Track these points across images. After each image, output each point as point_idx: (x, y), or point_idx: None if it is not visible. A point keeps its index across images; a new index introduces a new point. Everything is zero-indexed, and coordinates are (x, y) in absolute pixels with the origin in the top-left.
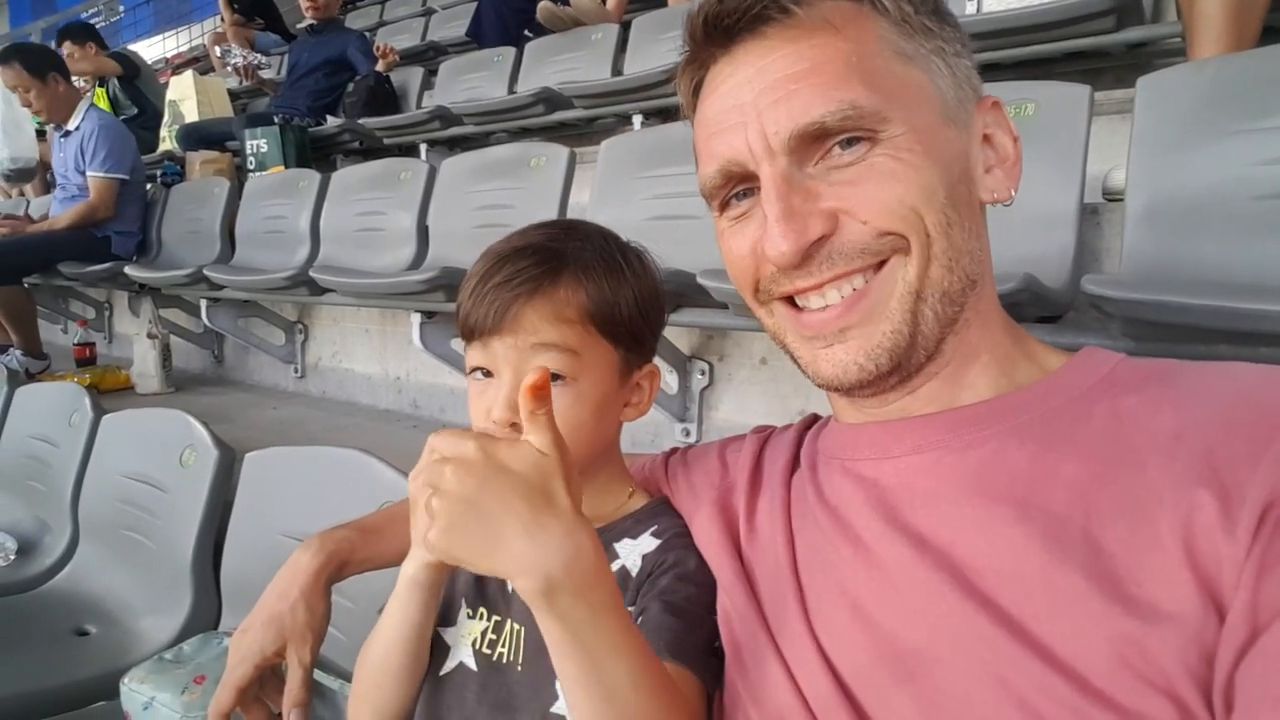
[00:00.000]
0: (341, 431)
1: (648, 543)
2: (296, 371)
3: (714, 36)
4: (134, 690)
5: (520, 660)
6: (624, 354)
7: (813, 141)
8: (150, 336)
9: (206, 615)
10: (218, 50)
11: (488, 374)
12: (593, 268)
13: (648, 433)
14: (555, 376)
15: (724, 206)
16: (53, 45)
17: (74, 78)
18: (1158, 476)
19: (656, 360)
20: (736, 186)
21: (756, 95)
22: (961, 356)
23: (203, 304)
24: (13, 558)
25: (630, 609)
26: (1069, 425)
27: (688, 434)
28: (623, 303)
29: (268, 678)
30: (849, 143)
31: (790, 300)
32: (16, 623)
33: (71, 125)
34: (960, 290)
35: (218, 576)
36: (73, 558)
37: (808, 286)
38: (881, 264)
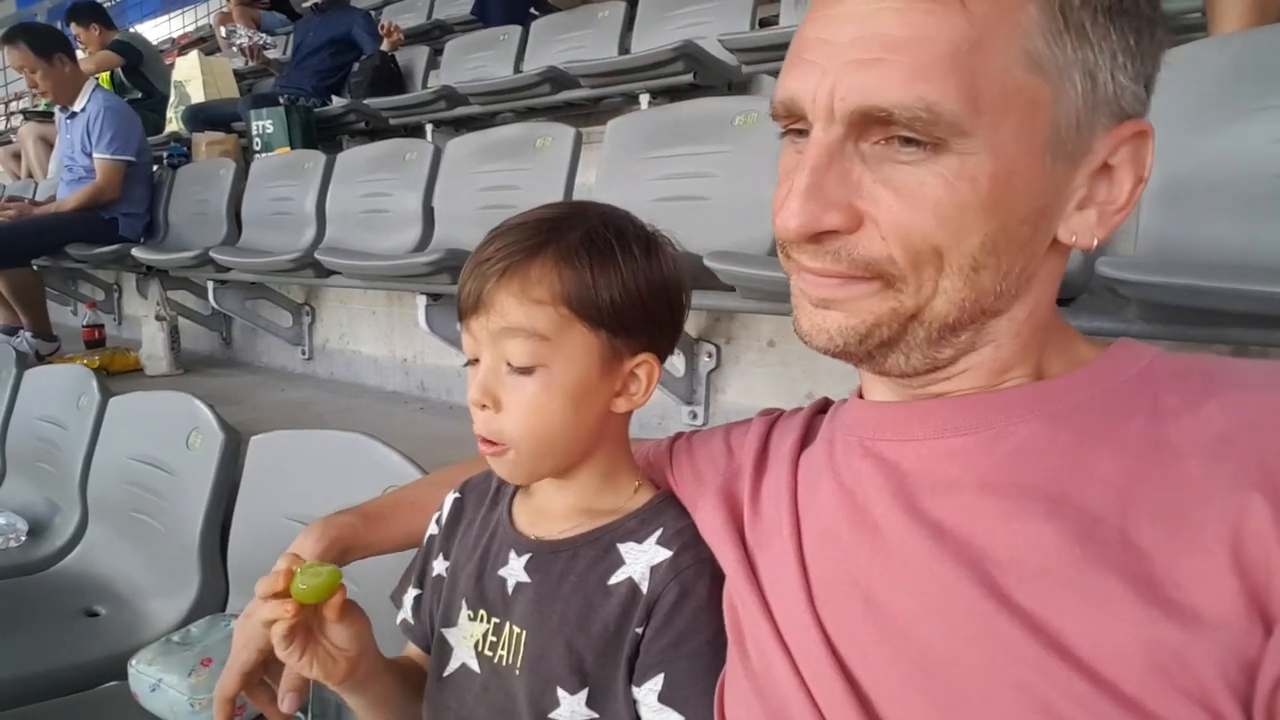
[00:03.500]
0: (349, 413)
1: (656, 553)
2: (304, 353)
3: None
4: (142, 672)
5: (519, 664)
6: (608, 340)
7: (876, 124)
8: (158, 319)
9: (214, 597)
10: (223, 31)
11: (476, 361)
12: (575, 248)
13: (655, 415)
14: (525, 370)
15: (786, 128)
16: (60, 23)
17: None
18: (1201, 477)
19: None
20: (794, 123)
21: (848, 42)
22: (984, 372)
23: (210, 286)
24: (24, 538)
25: (637, 630)
26: (1105, 418)
27: (695, 417)
28: (604, 286)
29: (272, 660)
30: (908, 141)
31: None
32: (28, 603)
33: (77, 107)
34: (968, 321)
35: (225, 559)
36: (82, 539)
37: (809, 268)
38: (877, 279)
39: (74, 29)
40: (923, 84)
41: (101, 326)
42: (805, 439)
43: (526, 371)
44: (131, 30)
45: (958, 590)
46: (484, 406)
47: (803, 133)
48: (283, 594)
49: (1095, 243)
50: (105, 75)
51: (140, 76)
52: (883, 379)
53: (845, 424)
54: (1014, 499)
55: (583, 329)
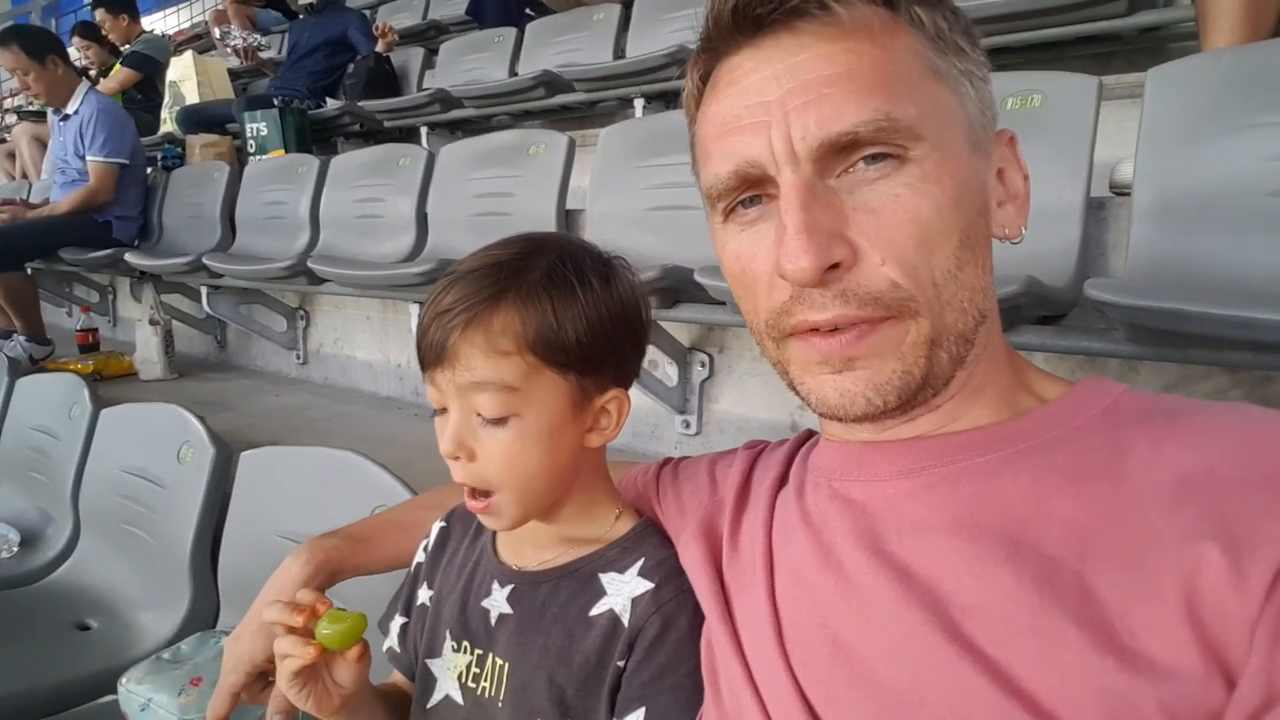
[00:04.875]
0: (343, 419)
1: (638, 584)
2: (299, 358)
3: (741, 25)
4: (131, 691)
5: (502, 696)
6: (577, 381)
7: (839, 152)
8: (152, 323)
9: (205, 611)
10: (217, 31)
11: (443, 410)
12: (536, 291)
13: (648, 424)
14: (497, 421)
15: (729, 213)
16: (54, 22)
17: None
18: (1160, 522)
19: (656, 352)
20: (746, 192)
21: (784, 94)
22: (967, 391)
23: (203, 291)
24: (15, 549)
25: (619, 664)
26: (1067, 458)
27: (688, 426)
28: (569, 327)
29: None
30: (875, 158)
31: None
32: (21, 616)
33: (70, 109)
34: (974, 328)
35: (216, 573)
36: (74, 551)
37: (819, 320)
38: (889, 319)
39: (100, 15)
40: (873, 100)
41: (95, 330)
42: (784, 477)
43: (499, 422)
44: (154, 32)
45: (922, 634)
46: (457, 458)
47: (750, 203)
48: (302, 633)
49: (1021, 232)
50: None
51: (151, 87)
52: (845, 424)
53: (814, 464)
54: (977, 541)
55: (551, 374)
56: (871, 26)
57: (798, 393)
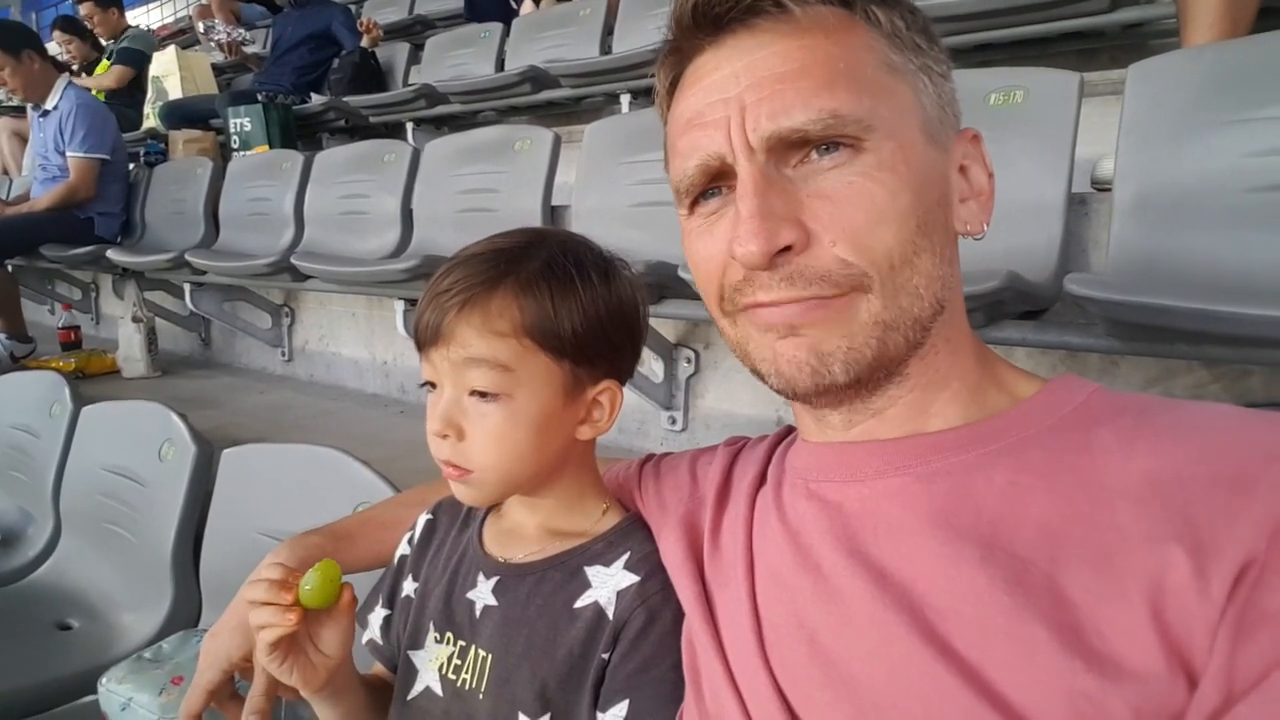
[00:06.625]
0: (328, 417)
1: (623, 577)
2: (284, 355)
3: (702, 25)
4: (112, 691)
5: (483, 688)
6: (571, 369)
7: (792, 146)
8: (135, 320)
9: (188, 611)
10: (200, 26)
11: (435, 386)
12: (535, 279)
13: (634, 420)
14: (486, 394)
15: (694, 206)
16: (34, 16)
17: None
18: (1128, 523)
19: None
20: (711, 184)
21: (742, 90)
22: (928, 383)
23: (187, 288)
24: None
25: (603, 656)
26: (1039, 458)
27: (674, 422)
28: (565, 316)
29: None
30: (829, 148)
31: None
32: (1, 616)
33: (49, 104)
34: (931, 315)
35: (198, 572)
36: (55, 550)
37: (767, 301)
38: (841, 296)
39: (87, 9)
40: (821, 98)
41: (78, 328)
42: (763, 475)
43: (491, 398)
44: (138, 27)
45: (898, 636)
46: (445, 436)
47: (712, 194)
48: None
49: (984, 228)
50: (106, 64)
51: (134, 82)
52: (818, 421)
53: (791, 465)
54: (951, 544)
55: (545, 359)
56: (827, 24)
57: (758, 373)
